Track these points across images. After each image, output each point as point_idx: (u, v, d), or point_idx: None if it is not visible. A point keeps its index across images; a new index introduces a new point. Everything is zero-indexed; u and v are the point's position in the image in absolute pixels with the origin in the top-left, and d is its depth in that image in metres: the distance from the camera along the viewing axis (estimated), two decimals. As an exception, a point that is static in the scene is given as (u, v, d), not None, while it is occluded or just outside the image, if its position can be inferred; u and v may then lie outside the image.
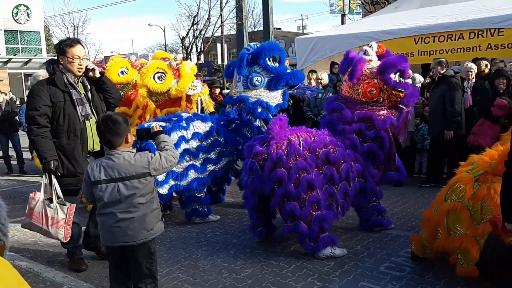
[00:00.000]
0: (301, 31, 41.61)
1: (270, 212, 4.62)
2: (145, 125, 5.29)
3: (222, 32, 22.36)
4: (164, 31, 39.18)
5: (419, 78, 8.02)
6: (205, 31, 23.21)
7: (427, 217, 3.70)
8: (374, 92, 4.45)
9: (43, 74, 3.42)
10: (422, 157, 7.34)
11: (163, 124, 5.28)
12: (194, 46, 24.81)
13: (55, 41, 37.49)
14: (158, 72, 6.03)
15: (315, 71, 8.63)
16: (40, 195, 3.75)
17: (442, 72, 6.56)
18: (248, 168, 4.26)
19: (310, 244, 4.08)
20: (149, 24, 40.84)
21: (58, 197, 3.75)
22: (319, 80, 8.09)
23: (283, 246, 4.51)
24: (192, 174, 5.30)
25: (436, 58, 7.11)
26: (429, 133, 6.79)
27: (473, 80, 7.07)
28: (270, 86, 5.48)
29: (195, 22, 22.90)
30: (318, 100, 7.97)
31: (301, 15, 52.77)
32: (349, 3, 19.99)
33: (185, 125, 5.36)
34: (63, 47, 3.81)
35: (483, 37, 7.95)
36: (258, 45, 5.59)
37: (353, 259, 4.08)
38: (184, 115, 5.60)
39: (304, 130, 4.41)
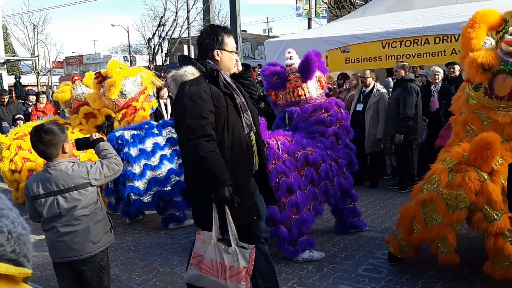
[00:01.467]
0: (267, 34, 41.85)
1: None
2: (116, 134, 5.18)
3: (189, 34, 22.14)
4: (128, 31, 38.47)
5: (391, 84, 8.19)
6: (172, 32, 22.99)
7: (403, 214, 3.76)
8: (325, 82, 4.73)
9: (191, 71, 2.74)
10: (392, 160, 7.48)
11: (135, 132, 5.20)
12: (160, 47, 24.54)
13: (13, 41, 36.15)
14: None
15: None
16: (211, 236, 2.70)
17: (403, 75, 6.70)
18: None
19: (289, 248, 4.07)
20: (112, 25, 39.74)
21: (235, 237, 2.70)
22: None
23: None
24: (173, 178, 5.27)
25: (400, 62, 7.28)
26: (384, 135, 6.85)
27: (440, 84, 7.30)
28: None
29: (161, 23, 22.63)
30: (289, 103, 8.00)
31: (267, 18, 53.05)
32: (315, 7, 20.21)
33: (157, 132, 5.32)
34: (222, 38, 2.84)
35: (448, 42, 8.18)
36: None
37: (331, 262, 4.10)
38: (154, 123, 5.58)
39: (282, 134, 4.40)
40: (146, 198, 5.09)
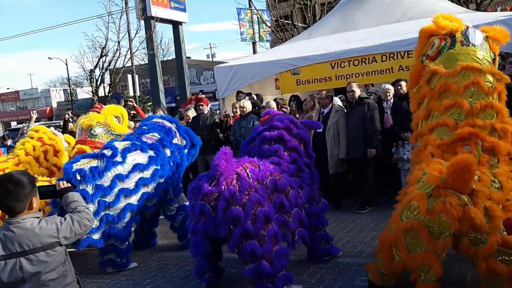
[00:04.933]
0: (211, 59, 41.98)
1: (219, 256, 4.30)
2: (75, 166, 4.76)
3: (132, 63, 21.61)
4: (66, 64, 37.16)
5: (338, 102, 8.20)
6: (115, 62, 22.35)
7: (382, 240, 3.64)
8: None
9: None
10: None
11: (94, 162, 4.81)
12: (103, 78, 23.76)
13: None
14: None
15: (242, 94, 8.64)
16: None
17: (359, 95, 6.78)
18: (198, 211, 3.89)
19: (268, 286, 3.79)
20: (49, 58, 38.35)
21: None
22: (242, 109, 7.89)
23: (234, 289, 4.20)
24: (129, 215, 4.96)
25: (352, 82, 7.33)
26: (349, 155, 6.72)
27: (392, 101, 7.40)
28: None
29: (103, 54, 21.95)
30: (243, 129, 7.81)
31: (210, 43, 53.41)
32: (259, 31, 20.47)
33: (120, 160, 4.94)
34: None
35: (395, 59, 8.42)
36: None
37: (310, 296, 3.89)
38: (120, 145, 5.16)
39: (248, 160, 4.20)
40: (96, 236, 4.76)
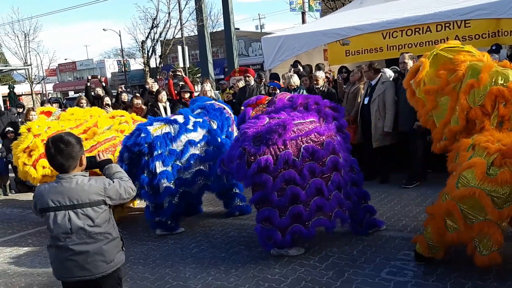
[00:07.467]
0: (259, 30, 41.61)
1: None
2: (150, 130, 5.00)
3: (182, 35, 21.83)
4: (119, 35, 38.20)
5: (389, 73, 7.94)
6: (165, 34, 22.72)
7: (432, 211, 3.56)
8: None
9: None
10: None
11: (166, 127, 5.07)
12: (154, 49, 24.28)
13: (5, 51, 35.77)
14: None
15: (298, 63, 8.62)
16: None
17: (411, 66, 6.50)
18: (237, 155, 4.10)
19: (269, 246, 4.20)
20: (103, 29, 39.57)
21: None
22: (291, 87, 7.67)
23: (275, 257, 4.28)
24: (200, 179, 5.27)
25: (404, 52, 7.03)
26: (400, 127, 6.48)
27: (445, 73, 7.08)
28: None
29: (154, 25, 22.37)
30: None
31: (258, 14, 52.92)
32: (309, 0, 20.00)
33: (192, 128, 5.22)
34: None
35: (450, 29, 8.01)
36: None
37: (351, 266, 3.91)
38: (192, 118, 5.40)
39: (315, 132, 4.17)
40: (175, 200, 5.11)
